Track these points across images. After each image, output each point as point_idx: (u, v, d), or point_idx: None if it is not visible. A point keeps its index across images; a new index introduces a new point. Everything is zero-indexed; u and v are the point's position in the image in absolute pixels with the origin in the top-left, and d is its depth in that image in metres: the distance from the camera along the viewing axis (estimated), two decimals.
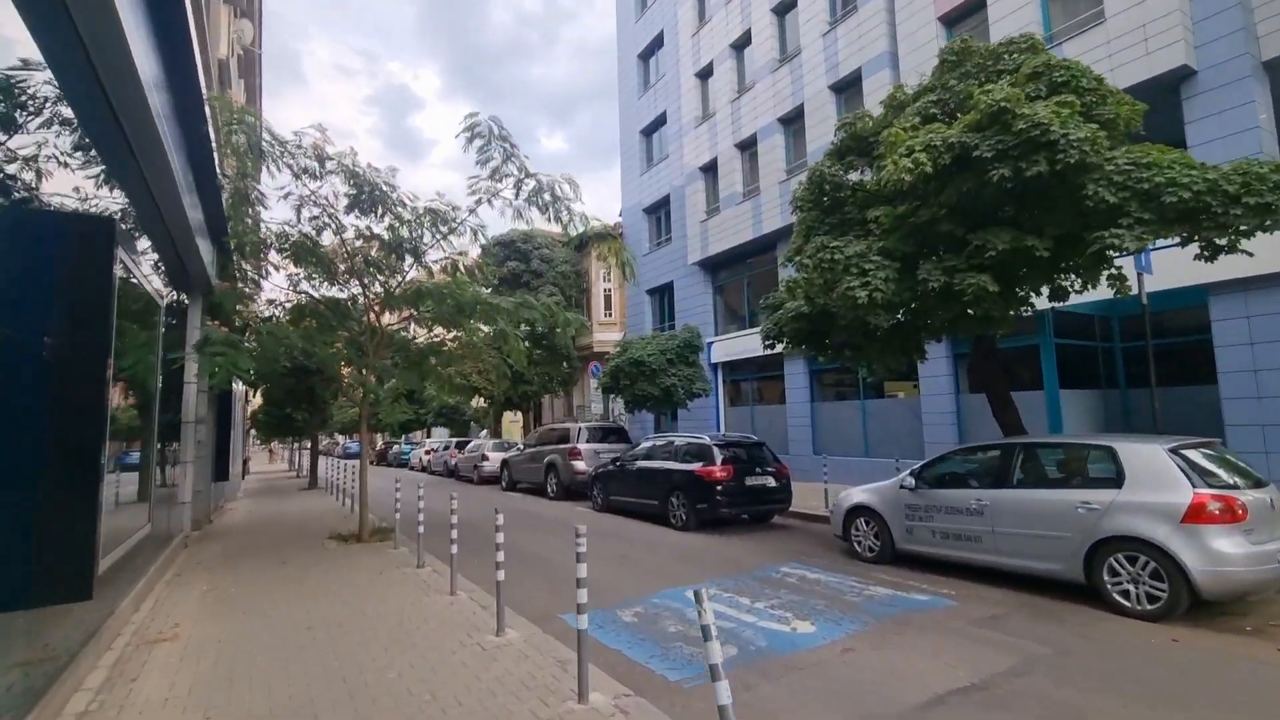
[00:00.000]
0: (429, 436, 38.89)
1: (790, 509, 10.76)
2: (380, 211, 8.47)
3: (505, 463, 17.87)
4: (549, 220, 9.33)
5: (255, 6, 17.71)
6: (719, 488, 9.74)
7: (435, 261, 9.84)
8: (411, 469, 29.34)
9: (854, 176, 8.75)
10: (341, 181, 8.21)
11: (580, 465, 14.54)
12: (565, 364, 22.42)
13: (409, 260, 9.46)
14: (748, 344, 17.40)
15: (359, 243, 9.28)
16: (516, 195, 8.80)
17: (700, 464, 10.12)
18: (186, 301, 9.40)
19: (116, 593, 4.86)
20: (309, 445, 22.19)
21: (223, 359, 7.12)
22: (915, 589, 6.31)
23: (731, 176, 18.06)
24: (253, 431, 33.24)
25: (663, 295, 21.95)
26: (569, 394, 27.14)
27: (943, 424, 12.60)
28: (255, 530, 10.80)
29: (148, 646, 4.68)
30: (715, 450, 10.14)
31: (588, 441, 15.00)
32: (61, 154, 5.38)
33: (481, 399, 23.91)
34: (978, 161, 6.29)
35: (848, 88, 15.13)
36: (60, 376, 3.21)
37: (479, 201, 9.11)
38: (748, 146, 17.91)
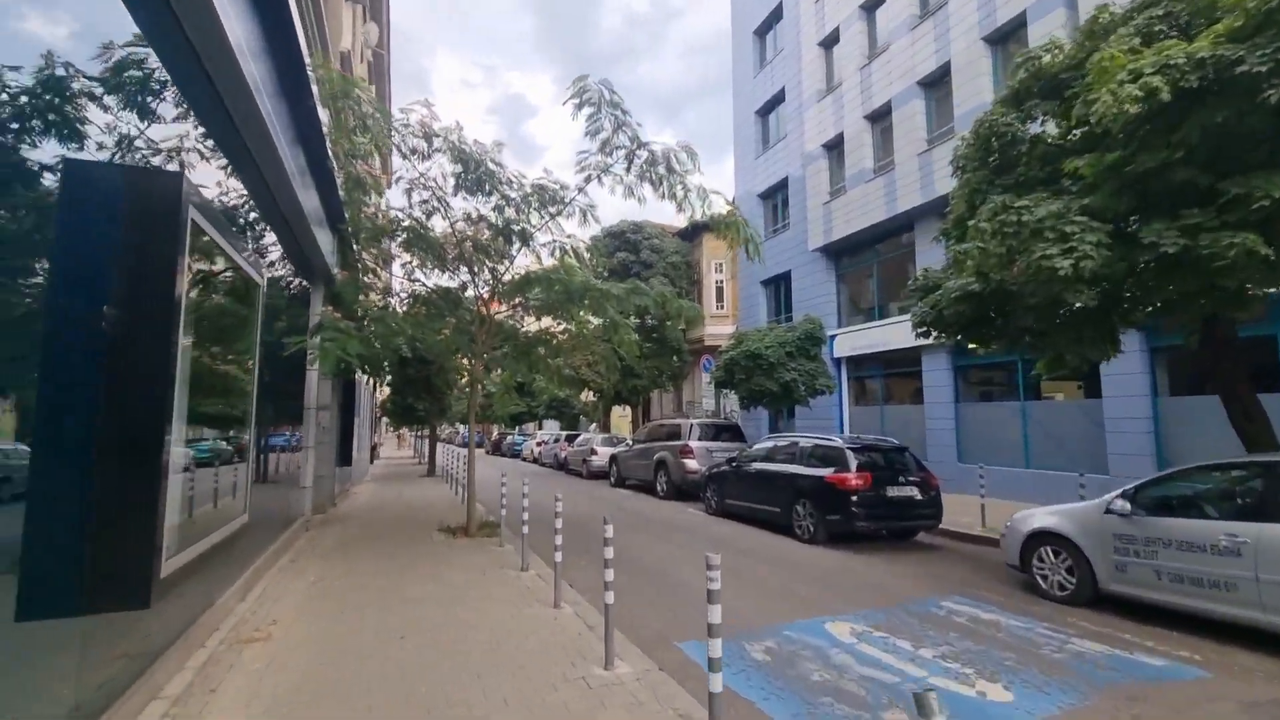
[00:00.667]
0: (540, 429, 39.78)
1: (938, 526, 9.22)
2: (487, 189, 8.05)
3: (614, 458, 17.39)
4: (662, 197, 8.51)
5: (383, 16, 18.41)
6: (854, 498, 8.47)
7: (543, 245, 9.34)
8: (524, 460, 29.95)
9: (1034, 128, 7.15)
10: (449, 161, 7.86)
11: (692, 464, 13.68)
12: (675, 358, 21.66)
13: (517, 245, 9.02)
14: (876, 337, 15.68)
15: (467, 228, 8.97)
16: (628, 169, 8.05)
17: (831, 469, 8.87)
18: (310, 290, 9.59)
19: (209, 587, 4.61)
20: (429, 434, 23.07)
21: (332, 344, 6.96)
22: (1140, 647, 4.81)
23: (860, 152, 16.35)
24: (384, 419, 35.72)
25: (778, 286, 20.53)
26: (678, 389, 26.38)
27: (1134, 433, 10.38)
28: (372, 517, 10.94)
29: (239, 647, 4.37)
30: (849, 454, 8.86)
31: (700, 439, 14.10)
32: (203, 145, 5.31)
33: (591, 393, 23.73)
34: (1241, 81, 4.65)
35: (1006, 37, 13.01)
36: (119, 353, 2.78)
37: (588, 178, 8.47)
38: (880, 117, 16.11)
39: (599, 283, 9.44)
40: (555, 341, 10.20)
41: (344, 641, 4.53)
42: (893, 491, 8.68)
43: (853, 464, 8.73)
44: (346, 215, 8.58)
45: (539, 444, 28.17)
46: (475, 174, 7.79)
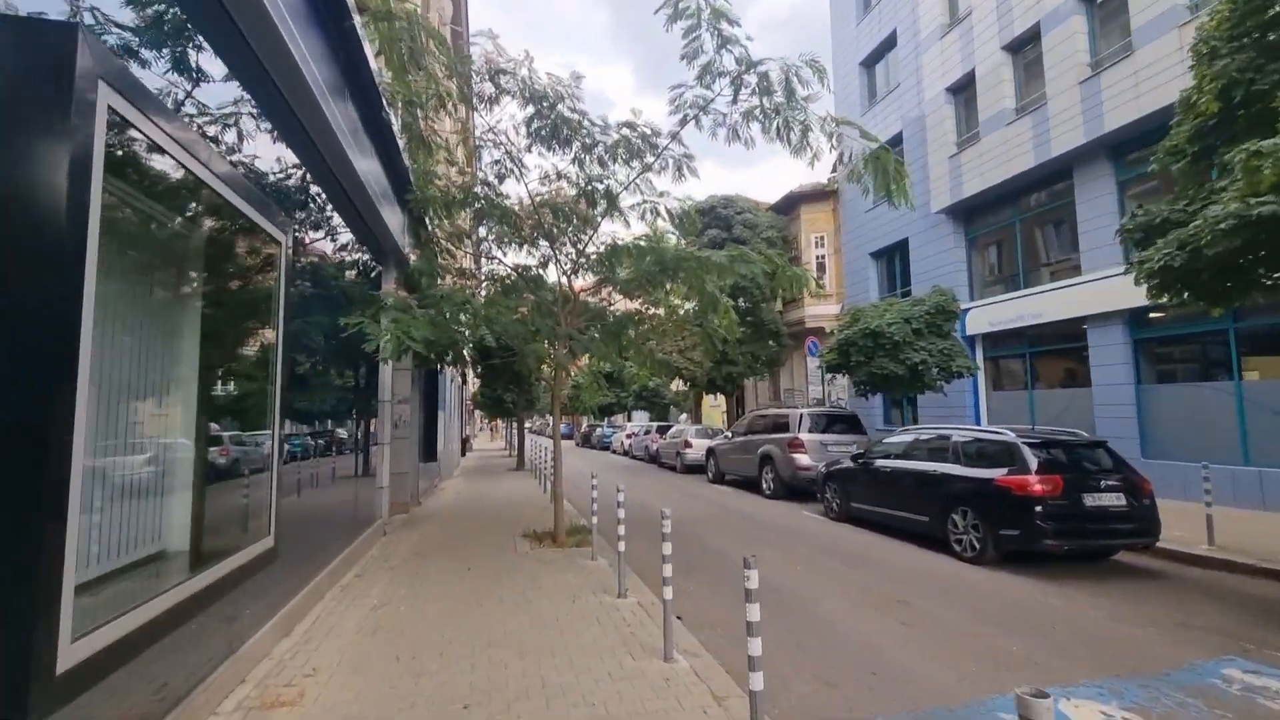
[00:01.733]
0: (629, 420, 38.93)
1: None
2: (565, 137, 6.77)
3: (711, 452, 15.92)
4: (774, 137, 6.89)
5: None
6: (1039, 507, 6.54)
7: (632, 208, 7.99)
8: (613, 453, 29.07)
9: None
10: (519, 105, 6.65)
11: (804, 460, 11.97)
12: (773, 342, 19.80)
13: (601, 207, 7.73)
14: (1022, 309, 13.20)
15: (544, 189, 7.78)
16: (734, 99, 6.51)
17: (1004, 470, 6.97)
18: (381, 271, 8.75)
19: (233, 627, 3.58)
20: (518, 426, 22.57)
21: (394, 326, 5.93)
22: None
23: (997, 90, 13.81)
24: (477, 411, 36.12)
25: (891, 257, 18.18)
26: (774, 377, 24.46)
27: None
28: (454, 517, 10.10)
29: (260, 715, 3.31)
30: (1026, 451, 6.92)
31: (811, 431, 12.35)
32: (257, 112, 4.40)
33: (681, 381, 22.32)
34: None
35: None
36: None
37: (684, 119, 7.01)
38: (1023, 45, 13.50)
39: (697, 251, 7.98)
40: (649, 322, 8.86)
41: (389, 710, 3.38)
42: (1091, 500, 6.66)
43: (1033, 463, 6.79)
44: (412, 180, 7.60)
45: (629, 436, 27.16)
46: (551, 118, 6.52)
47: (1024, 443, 7.01)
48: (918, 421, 15.36)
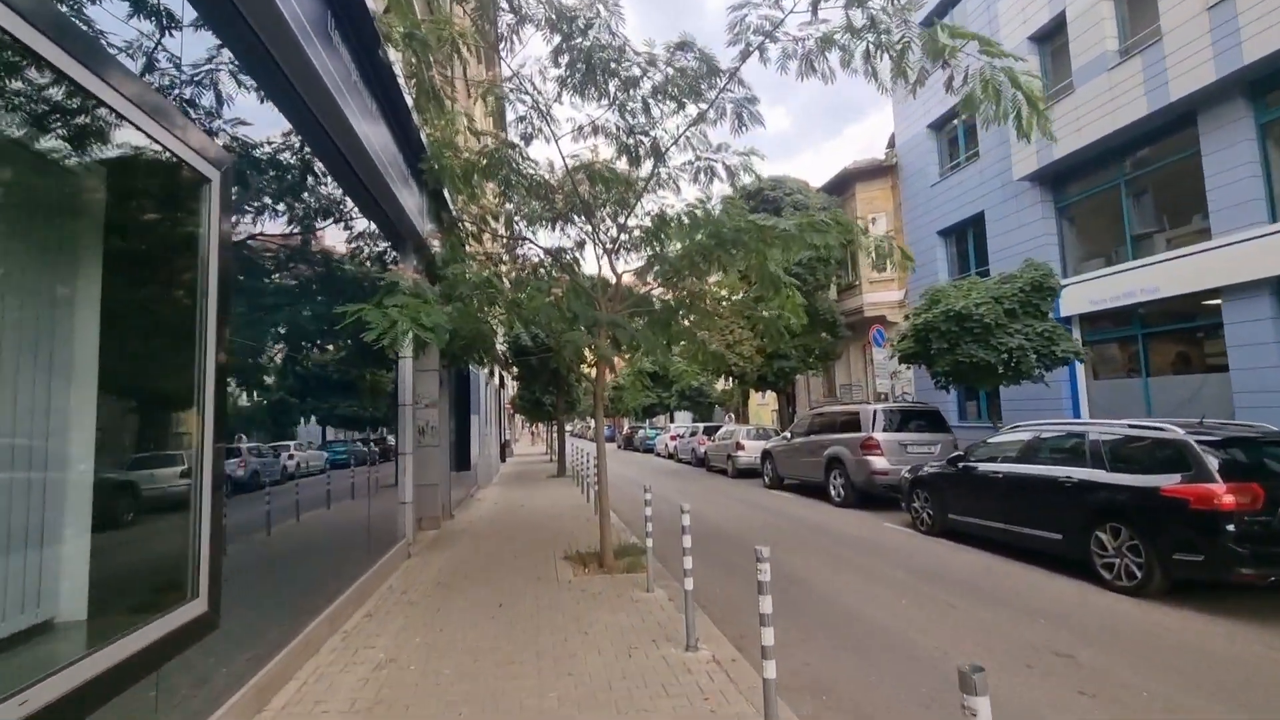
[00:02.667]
0: (672, 421, 37.64)
1: None
2: (601, 78, 5.55)
3: (768, 454, 14.51)
4: (854, 68, 5.54)
5: None
6: (1231, 526, 5.00)
7: (682, 167, 6.74)
8: (657, 455, 27.84)
9: None
10: (544, 39, 5.46)
11: (880, 462, 10.49)
12: (828, 333, 18.20)
13: (647, 166, 6.51)
14: (1133, 283, 11.38)
15: (577, 147, 6.60)
16: (813, 13, 5.19)
17: (1174, 477, 5.44)
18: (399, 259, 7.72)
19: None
20: (558, 430, 21.56)
21: (399, 312, 4.83)
22: None
23: (1095, 32, 11.99)
24: (516, 415, 35.37)
25: (963, 235, 16.40)
26: (829, 371, 22.79)
27: None
28: (490, 533, 9.02)
29: None
30: (1204, 452, 5.37)
31: (887, 429, 10.85)
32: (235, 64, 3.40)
33: (728, 379, 20.91)
34: None
35: None
36: None
37: (746, 52, 5.71)
38: None
39: (760, 218, 6.68)
40: (702, 308, 7.60)
41: None
42: None
43: (1213, 467, 5.25)
44: (425, 145, 6.54)
45: (673, 438, 25.89)
46: (583, 48, 5.31)
47: (1198, 441, 5.46)
48: (1000, 418, 13.64)
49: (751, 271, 7.63)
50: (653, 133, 6.02)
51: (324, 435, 5.55)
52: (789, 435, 13.71)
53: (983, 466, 7.59)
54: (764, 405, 29.63)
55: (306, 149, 4.99)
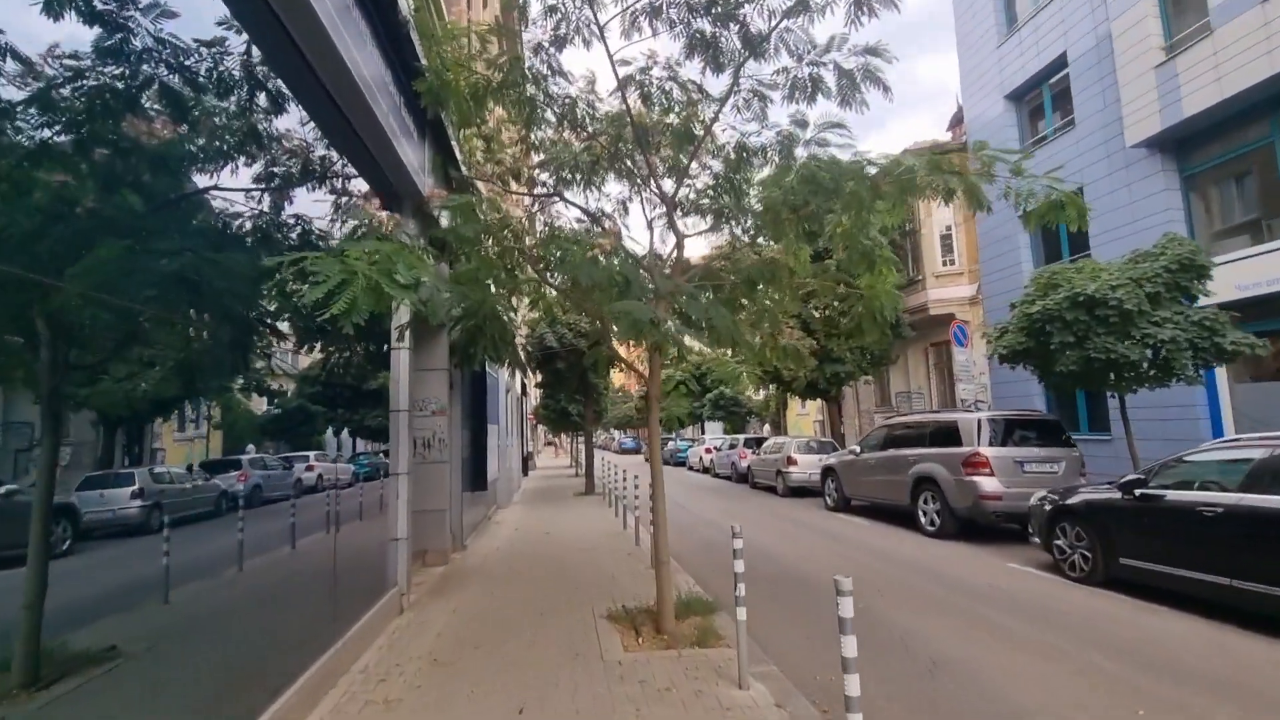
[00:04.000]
0: (703, 432, 35.59)
1: None
2: None
3: (830, 471, 12.48)
4: None
5: None
6: None
7: (777, 75, 4.88)
8: (690, 469, 25.84)
9: None
10: None
11: (990, 484, 8.44)
12: (890, 333, 16.01)
13: (725, 76, 4.67)
14: None
15: (629, 49, 4.80)
16: None
17: None
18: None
19: None
20: (585, 442, 19.74)
21: (364, 263, 3.05)
22: None
23: None
24: (539, 426, 33.65)
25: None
26: (881, 377, 20.63)
27: None
28: (508, 574, 7.17)
29: None
30: None
31: (996, 443, 8.79)
32: None
33: (773, 385, 18.84)
34: None
35: None
36: None
37: None
38: None
39: (871, 157, 4.83)
40: (787, 278, 5.72)
41: None
42: None
43: None
44: (419, 53, 4.81)
45: (709, 450, 23.90)
46: None
47: None
48: (1108, 429, 11.46)
49: (838, 241, 5.83)
50: (745, 7, 4.16)
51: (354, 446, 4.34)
52: (857, 449, 11.67)
53: (1178, 495, 5.54)
54: (803, 416, 27.50)
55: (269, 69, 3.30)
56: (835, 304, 9.32)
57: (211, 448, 3.56)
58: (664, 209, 5.38)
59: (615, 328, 4.43)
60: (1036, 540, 7.19)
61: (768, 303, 5.91)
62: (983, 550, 8.16)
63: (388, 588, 5.60)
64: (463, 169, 6.77)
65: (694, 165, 5.27)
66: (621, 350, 6.89)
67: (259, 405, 3.99)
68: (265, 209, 3.78)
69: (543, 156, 5.77)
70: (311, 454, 4.31)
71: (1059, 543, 6.73)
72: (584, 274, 3.97)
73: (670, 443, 32.48)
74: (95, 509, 2.53)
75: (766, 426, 28.93)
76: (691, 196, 5.37)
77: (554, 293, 5.62)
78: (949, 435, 9.33)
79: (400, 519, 5.72)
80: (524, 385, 21.74)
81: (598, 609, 5.57)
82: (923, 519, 9.43)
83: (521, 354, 9.70)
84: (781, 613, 5.66)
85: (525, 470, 22.92)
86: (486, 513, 11.52)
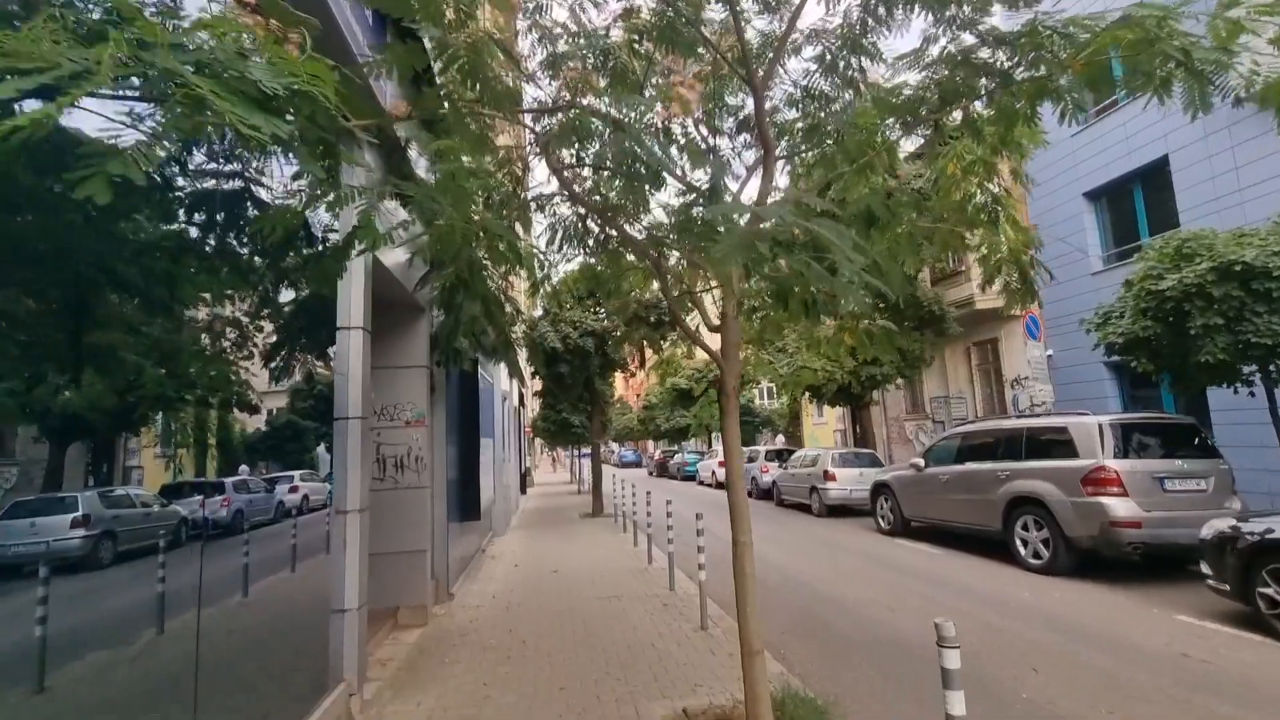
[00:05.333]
0: (710, 445, 33.69)
1: None
2: None
3: (884, 489, 10.65)
4: None
5: None
6: None
7: None
8: (702, 484, 23.91)
9: None
10: None
11: (1123, 508, 6.66)
12: (927, 331, 14.23)
13: None
14: None
15: None
16: None
17: None
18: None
19: None
20: (589, 453, 17.85)
21: (204, 78, 1.15)
22: None
23: None
24: (537, 440, 31.59)
25: (1122, 194, 12.57)
26: (914, 383, 18.81)
27: None
28: (509, 643, 5.25)
29: None
30: None
31: (1122, 454, 6.98)
32: None
33: (801, 391, 16.98)
34: None
35: None
36: None
37: None
38: None
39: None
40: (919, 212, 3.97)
41: None
42: None
43: None
44: None
45: (721, 464, 21.96)
46: None
47: None
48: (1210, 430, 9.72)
49: (955, 181, 4.26)
50: None
51: None
52: (921, 463, 9.84)
53: None
54: (821, 425, 25.67)
55: None
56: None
57: (198, 467, 2.93)
58: (741, 116, 3.56)
59: (704, 253, 2.60)
60: (1212, 582, 5.37)
61: (910, 223, 4.09)
62: (1121, 593, 6.32)
63: (330, 684, 3.70)
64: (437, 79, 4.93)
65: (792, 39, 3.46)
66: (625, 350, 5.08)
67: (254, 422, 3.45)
68: None
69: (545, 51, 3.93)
70: (296, 474, 3.90)
71: (1267, 591, 4.89)
72: (644, 154, 2.13)
73: (676, 455, 30.55)
74: (21, 541, 2.20)
75: (780, 437, 27.06)
76: (789, 89, 3.56)
77: (576, 214, 3.76)
78: (1055, 445, 7.52)
79: (348, 581, 3.82)
80: (521, 395, 19.85)
81: (647, 709, 3.69)
82: (1022, 549, 7.59)
83: (520, 349, 7.84)
84: (900, 694, 3.79)
85: (523, 488, 20.95)
86: (480, 544, 9.60)
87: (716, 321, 3.53)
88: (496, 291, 4.40)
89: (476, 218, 3.01)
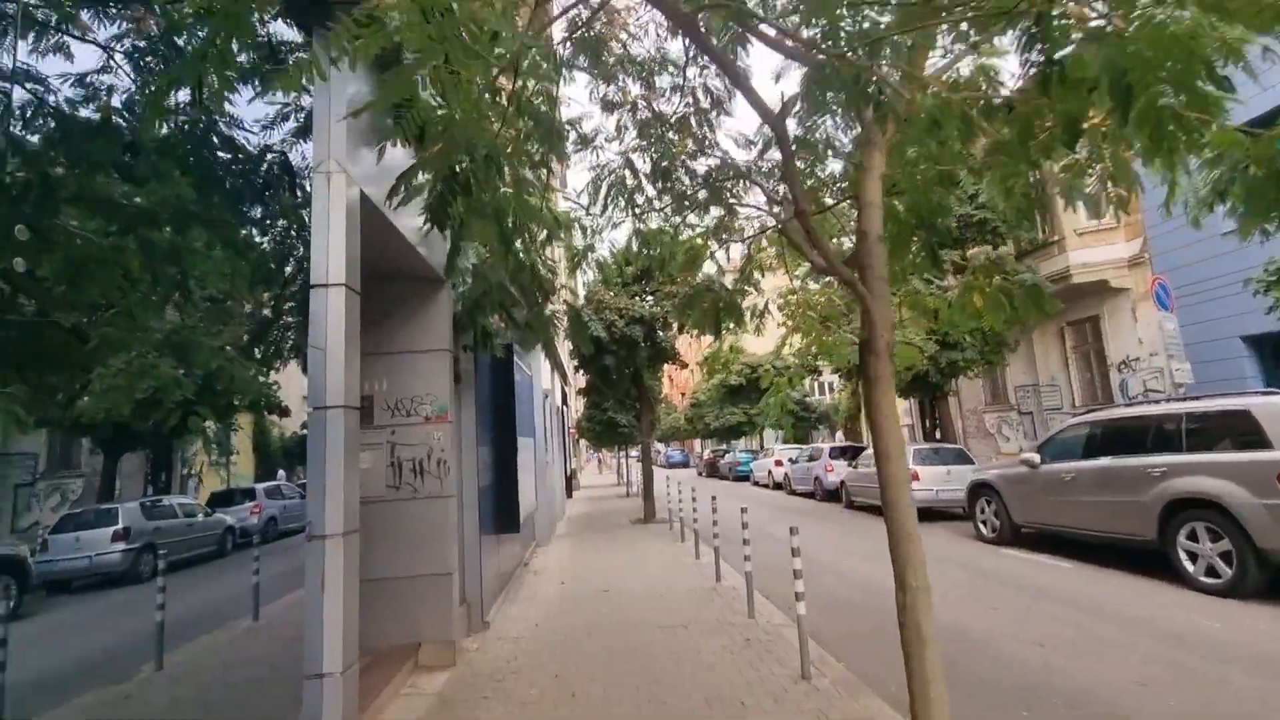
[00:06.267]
0: (760, 443, 32.14)
1: None
2: None
3: (985, 489, 9.14)
4: None
5: None
6: None
7: None
8: (757, 484, 22.47)
9: None
10: None
11: None
12: (1032, 309, 12.56)
13: None
14: None
15: None
16: None
17: None
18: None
19: None
20: (638, 455, 16.73)
21: None
22: None
23: None
24: (581, 441, 30.63)
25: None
26: (995, 370, 16.96)
27: None
28: (559, 698, 4.11)
29: None
30: None
31: None
32: None
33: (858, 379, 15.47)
34: None
35: None
36: None
37: None
38: None
39: None
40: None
41: None
42: None
43: None
44: None
45: (779, 462, 20.53)
46: None
47: None
48: None
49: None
50: None
51: None
52: (1036, 458, 8.29)
53: None
54: None
55: None
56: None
57: (244, 475, 1.73)
58: None
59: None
60: None
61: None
62: None
63: None
64: None
65: None
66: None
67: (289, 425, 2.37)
68: None
69: None
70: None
71: None
72: None
73: (727, 455, 29.14)
74: (66, 556, 2.15)
75: (839, 434, 25.34)
76: None
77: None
78: (1232, 433, 5.95)
79: (329, 633, 2.74)
80: (564, 394, 18.89)
81: None
82: (1188, 565, 6.04)
83: (560, 327, 6.74)
84: None
85: (569, 491, 19.98)
86: (523, 556, 8.56)
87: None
88: (522, 235, 3.27)
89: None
